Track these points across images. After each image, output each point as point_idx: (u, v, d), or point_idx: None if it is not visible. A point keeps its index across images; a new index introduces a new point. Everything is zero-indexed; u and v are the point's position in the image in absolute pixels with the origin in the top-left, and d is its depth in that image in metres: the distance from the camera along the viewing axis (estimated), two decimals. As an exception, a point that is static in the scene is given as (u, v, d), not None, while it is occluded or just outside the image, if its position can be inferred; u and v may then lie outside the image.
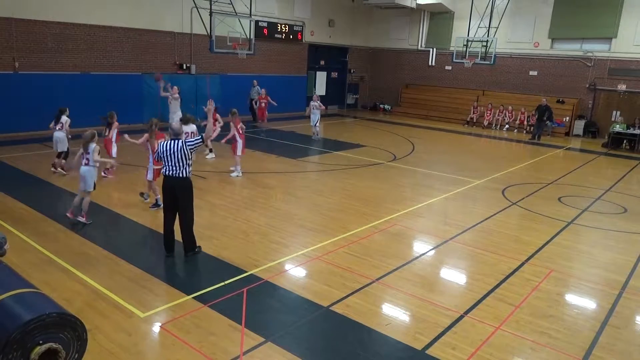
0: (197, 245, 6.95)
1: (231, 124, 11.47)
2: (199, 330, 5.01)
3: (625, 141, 19.14)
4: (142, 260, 6.59)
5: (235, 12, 16.59)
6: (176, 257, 6.86)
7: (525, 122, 21.97)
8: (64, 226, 7.68)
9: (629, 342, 5.26)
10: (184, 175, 6.52)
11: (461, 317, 5.54)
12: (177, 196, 6.58)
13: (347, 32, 26.23)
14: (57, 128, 10.89)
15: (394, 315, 5.62)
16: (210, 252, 7.00)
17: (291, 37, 22.94)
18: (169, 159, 6.48)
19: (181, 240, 6.81)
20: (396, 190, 11.08)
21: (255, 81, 20.13)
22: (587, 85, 21.57)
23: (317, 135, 17.23)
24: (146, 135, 9.01)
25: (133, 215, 8.37)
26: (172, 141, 6.55)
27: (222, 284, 6.03)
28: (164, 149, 6.51)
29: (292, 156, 14.07)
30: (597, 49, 21.14)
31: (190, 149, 6.49)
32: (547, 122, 20.48)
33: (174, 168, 6.50)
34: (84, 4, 15.73)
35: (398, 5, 23.06)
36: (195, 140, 6.62)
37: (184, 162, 6.48)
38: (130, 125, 17.25)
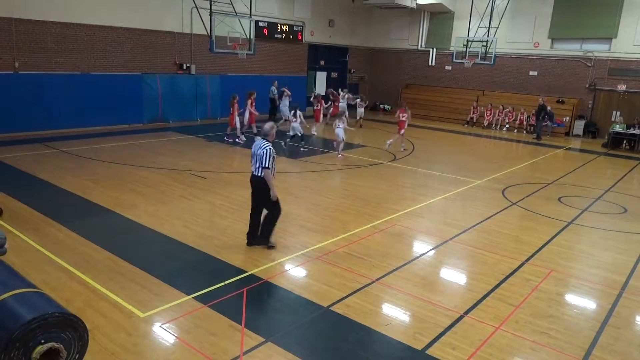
0: (271, 242, 7.14)
1: (405, 113, 15.39)
2: (199, 330, 5.01)
3: (625, 141, 19.16)
4: (142, 260, 6.58)
5: (235, 12, 16.60)
6: (176, 257, 6.87)
7: (525, 122, 21.99)
8: (64, 226, 7.68)
9: (629, 342, 5.26)
10: (259, 174, 6.79)
11: (461, 317, 5.54)
12: (255, 193, 7.00)
13: (347, 32, 26.24)
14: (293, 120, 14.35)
15: (394, 315, 5.62)
16: (210, 252, 7.00)
17: (291, 37, 22.94)
18: (253, 156, 6.87)
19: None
20: (396, 190, 11.08)
21: (275, 82, 20.65)
22: (587, 85, 21.59)
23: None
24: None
25: (133, 215, 8.38)
26: (261, 140, 6.85)
27: (222, 284, 6.03)
28: (254, 146, 6.90)
29: (292, 156, 14.08)
30: (597, 49, 21.16)
31: (267, 155, 6.67)
32: (547, 122, 20.50)
33: (254, 166, 6.85)
34: (84, 4, 15.73)
35: (398, 5, 23.07)
36: (269, 149, 6.75)
37: (260, 163, 6.73)
38: (131, 125, 17.33)
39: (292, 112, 15.24)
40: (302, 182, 11.43)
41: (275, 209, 7.00)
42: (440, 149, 16.97)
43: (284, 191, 10.55)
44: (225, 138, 15.71)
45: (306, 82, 24.68)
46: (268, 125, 6.94)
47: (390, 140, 15.81)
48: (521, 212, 9.87)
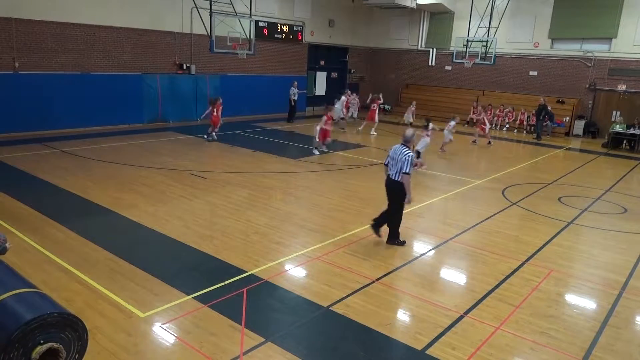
0: (402, 240, 7.57)
1: (482, 113, 18.16)
2: (199, 330, 5.01)
3: (625, 141, 19.15)
4: (142, 260, 6.58)
5: (235, 12, 16.59)
6: (176, 257, 6.87)
7: (525, 122, 21.98)
8: (64, 226, 7.68)
9: (629, 342, 5.26)
10: (396, 178, 7.18)
11: (461, 317, 5.54)
12: (389, 195, 7.38)
13: (347, 32, 26.23)
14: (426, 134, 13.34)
15: (394, 315, 5.62)
16: (210, 252, 7.00)
17: (291, 37, 22.93)
18: (393, 161, 7.24)
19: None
20: (396, 190, 11.06)
21: (295, 82, 20.99)
22: (587, 86, 21.59)
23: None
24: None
25: (133, 215, 8.38)
26: (401, 146, 7.22)
27: (222, 284, 6.03)
28: (393, 151, 7.29)
29: (292, 156, 14.08)
30: (597, 49, 21.16)
31: (409, 162, 7.05)
32: (548, 122, 20.49)
33: (392, 171, 7.24)
34: (84, 4, 15.73)
35: (398, 5, 23.05)
36: (411, 156, 7.18)
37: (399, 169, 7.10)
38: (131, 125, 17.33)
39: (425, 124, 13.80)
40: (302, 182, 11.43)
41: (398, 213, 7.44)
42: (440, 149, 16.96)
43: (284, 191, 10.58)
44: (214, 136, 15.79)
45: (306, 82, 24.66)
46: (409, 132, 7.42)
47: (489, 141, 17.86)
48: (521, 212, 9.87)
